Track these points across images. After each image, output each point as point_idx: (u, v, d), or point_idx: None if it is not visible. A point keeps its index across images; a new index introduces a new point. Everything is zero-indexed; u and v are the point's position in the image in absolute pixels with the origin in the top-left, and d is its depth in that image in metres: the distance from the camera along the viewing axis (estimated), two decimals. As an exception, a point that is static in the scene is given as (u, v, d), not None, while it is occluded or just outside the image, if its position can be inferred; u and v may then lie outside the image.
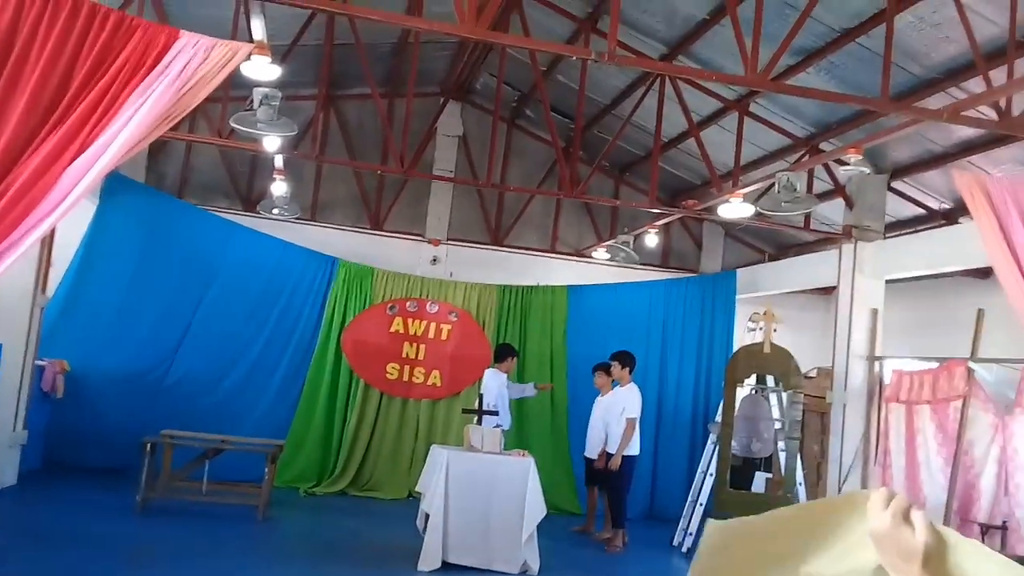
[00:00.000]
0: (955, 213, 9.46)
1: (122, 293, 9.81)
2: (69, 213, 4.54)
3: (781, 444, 8.87)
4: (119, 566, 6.01)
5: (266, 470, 8.06)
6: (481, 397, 8.48)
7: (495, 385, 8.91)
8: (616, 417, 8.44)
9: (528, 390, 9.52)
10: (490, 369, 9.27)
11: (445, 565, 6.75)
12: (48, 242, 8.22)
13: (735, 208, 8.87)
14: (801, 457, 8.99)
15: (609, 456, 8.38)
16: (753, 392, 10.52)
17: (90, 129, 4.33)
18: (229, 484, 8.38)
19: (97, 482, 8.60)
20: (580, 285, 11.40)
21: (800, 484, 8.60)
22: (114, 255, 9.89)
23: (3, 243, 4.16)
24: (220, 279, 10.19)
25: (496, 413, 8.45)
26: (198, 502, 7.95)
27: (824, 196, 9.82)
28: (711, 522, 1.24)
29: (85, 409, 9.28)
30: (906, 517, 1.00)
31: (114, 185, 9.84)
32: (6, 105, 4.21)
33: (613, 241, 11.53)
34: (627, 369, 8.65)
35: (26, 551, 6.19)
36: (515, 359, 9.51)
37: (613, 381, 8.83)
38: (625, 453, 8.32)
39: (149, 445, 7.64)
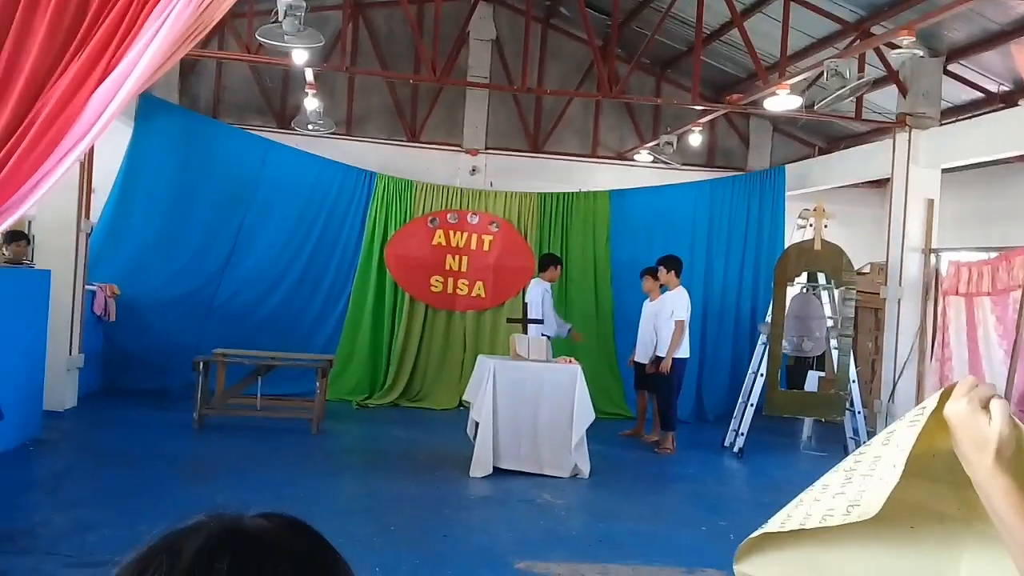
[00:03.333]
0: (1015, 95, 8.98)
1: (164, 215, 9.90)
2: (103, 137, 4.50)
3: (833, 342, 8.71)
4: (180, 480, 6.19)
5: (317, 384, 8.19)
6: (525, 306, 8.43)
7: (537, 294, 8.84)
8: (665, 320, 8.35)
9: (563, 329, 9.29)
10: (534, 279, 9.20)
11: (496, 471, 6.84)
12: (87, 168, 8.26)
13: (782, 101, 8.51)
14: (854, 354, 8.83)
15: (659, 359, 8.32)
16: (804, 290, 10.33)
17: (113, 51, 4.23)
18: (282, 399, 8.54)
19: (154, 402, 8.84)
20: (623, 189, 11.17)
21: (853, 381, 8.47)
22: (153, 178, 9.94)
23: (38, 171, 4.14)
24: (260, 197, 10.21)
25: (541, 321, 8.41)
26: (253, 418, 8.13)
27: (877, 83, 9.37)
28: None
29: (138, 331, 9.49)
30: (985, 406, 0.92)
31: (148, 108, 9.83)
32: (27, 31, 4.12)
33: (656, 142, 11.22)
34: (673, 272, 8.51)
35: (89, 469, 6.42)
36: (559, 268, 9.40)
37: (661, 285, 8.69)
38: (675, 356, 8.24)
39: (202, 364, 7.79)
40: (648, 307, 8.84)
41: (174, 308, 9.69)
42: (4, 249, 7.63)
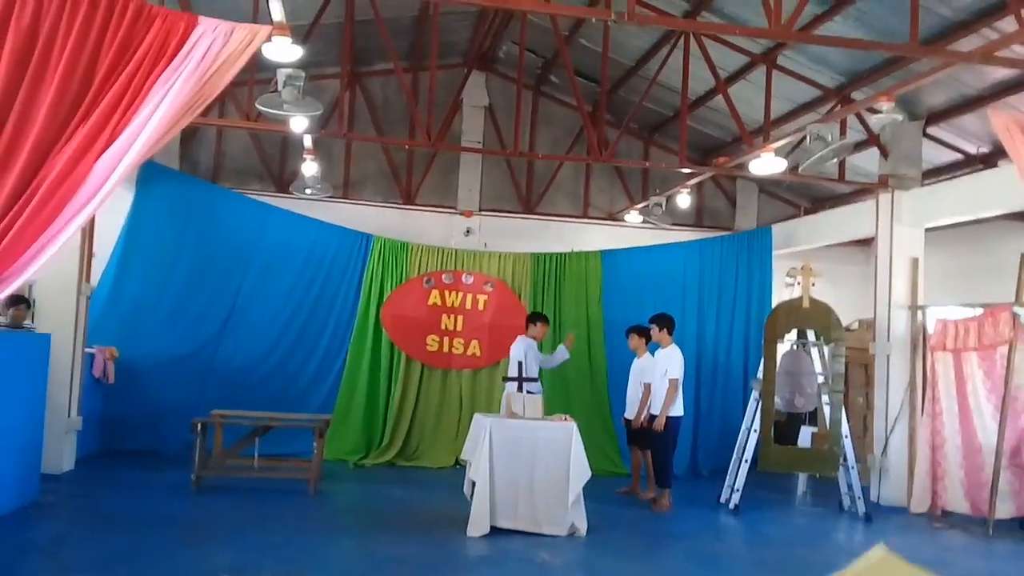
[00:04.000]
0: (994, 156, 9.26)
1: (164, 279, 10.03)
2: (105, 204, 4.63)
3: (825, 398, 8.82)
4: (178, 543, 6.20)
5: (314, 444, 8.23)
6: (521, 365, 8.52)
7: (520, 350, 8.91)
8: (659, 378, 8.45)
9: (561, 353, 9.47)
10: (519, 336, 9.28)
11: (494, 530, 6.85)
12: (88, 233, 8.42)
13: (767, 163, 8.76)
14: (846, 409, 8.93)
15: (653, 417, 8.40)
16: (794, 347, 10.46)
17: (117, 120, 4.41)
18: (279, 460, 8.56)
19: (152, 464, 8.86)
20: (614, 249, 11.38)
21: (846, 436, 8.55)
22: (154, 243, 10.09)
23: (42, 236, 4.27)
24: (258, 261, 10.38)
25: (536, 379, 8.50)
26: (250, 478, 8.15)
27: (859, 146, 9.66)
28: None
29: (136, 394, 9.55)
30: None
31: (149, 174, 10.04)
32: (34, 99, 4.30)
33: (645, 203, 11.47)
34: (665, 330, 8.63)
35: (87, 533, 6.42)
36: (545, 325, 9.45)
37: (650, 343, 8.83)
38: (669, 414, 8.33)
39: (200, 425, 7.84)
40: (636, 364, 8.98)
41: (173, 370, 9.77)
42: (5, 313, 7.72)
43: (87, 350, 8.75)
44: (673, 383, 8.34)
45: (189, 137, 11.56)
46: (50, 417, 7.60)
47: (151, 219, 10.13)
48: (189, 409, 8.62)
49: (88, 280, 8.60)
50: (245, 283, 10.33)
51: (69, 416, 8.23)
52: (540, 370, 9.25)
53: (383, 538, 6.78)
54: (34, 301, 8.30)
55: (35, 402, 7.19)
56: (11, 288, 4.39)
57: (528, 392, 8.12)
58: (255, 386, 9.88)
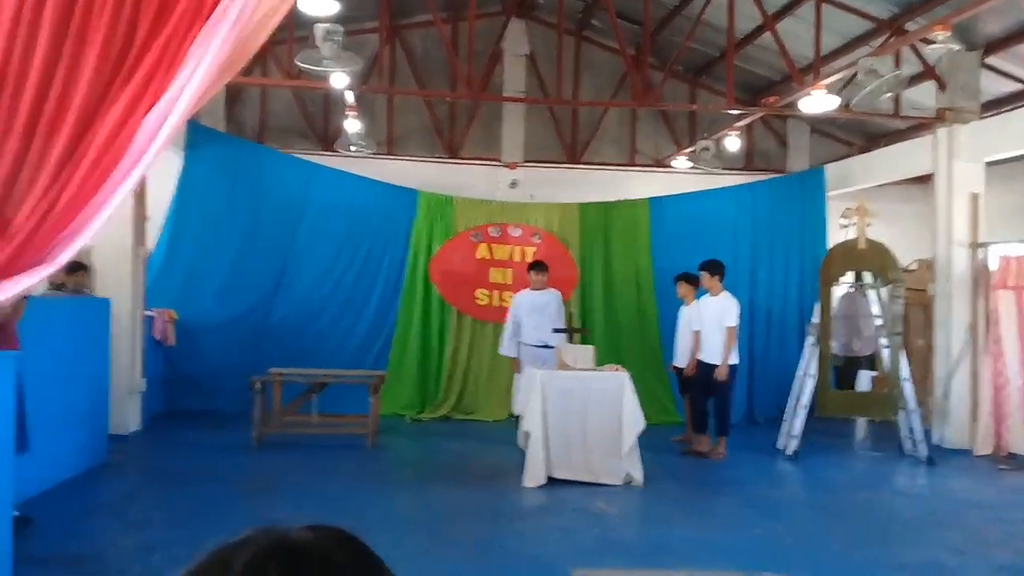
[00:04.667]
0: (1058, 84, 8.85)
1: (216, 241, 10.17)
2: (154, 166, 4.67)
3: (884, 340, 8.64)
4: (241, 497, 6.36)
5: (370, 400, 8.33)
6: (571, 316, 8.47)
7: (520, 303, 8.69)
8: (713, 327, 8.31)
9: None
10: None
11: (550, 480, 6.89)
12: (141, 198, 8.53)
13: (818, 101, 8.51)
14: (906, 352, 8.74)
15: (704, 365, 8.30)
16: (850, 290, 10.26)
17: (160, 80, 4.39)
18: (337, 416, 8.69)
19: (214, 422, 9.08)
20: (662, 196, 11.20)
21: (906, 380, 8.38)
22: (205, 205, 10.21)
23: (93, 200, 4.31)
24: (306, 220, 10.45)
25: (586, 331, 8.45)
26: (309, 435, 8.30)
27: (914, 79, 9.31)
28: None
29: (196, 355, 9.76)
30: None
31: (197, 137, 10.13)
32: (77, 64, 4.30)
33: (693, 148, 11.24)
34: (716, 277, 8.47)
35: (155, 490, 6.62)
36: (540, 273, 8.74)
37: (699, 290, 8.70)
38: (729, 363, 8.22)
39: (259, 384, 7.99)
40: (685, 312, 8.84)
41: (229, 331, 9.94)
42: (66, 280, 7.89)
43: (146, 313, 8.93)
44: (731, 331, 8.22)
45: (234, 98, 11.60)
46: (115, 380, 7.81)
47: (201, 182, 10.25)
48: (247, 368, 8.78)
49: (143, 244, 8.75)
50: (295, 243, 10.42)
51: (133, 378, 8.44)
52: (583, 323, 9.11)
53: (441, 489, 6.87)
54: (92, 267, 8.47)
55: (99, 366, 7.37)
56: (67, 254, 4.44)
57: (528, 345, 8.09)
58: (309, 345, 10.01)
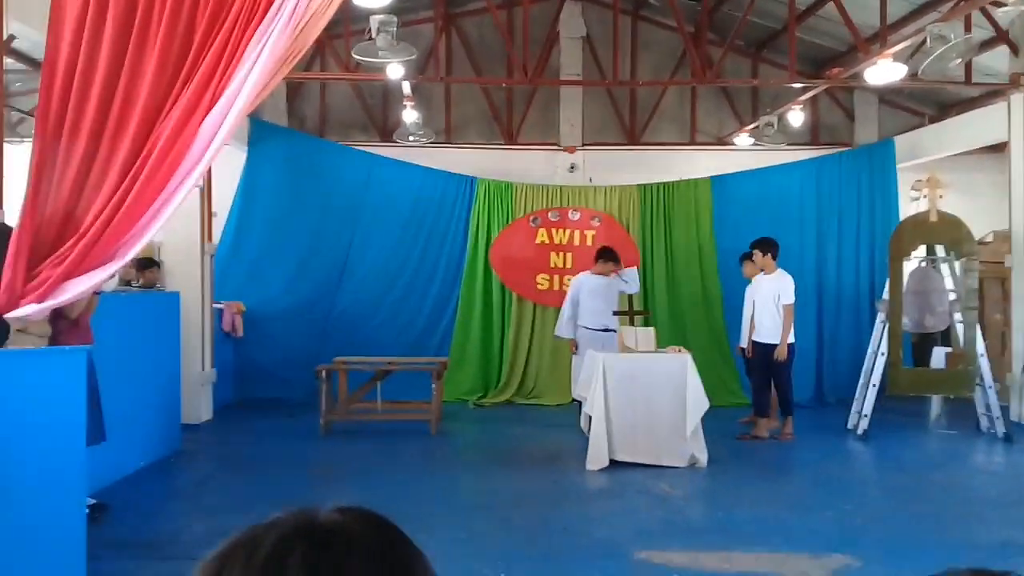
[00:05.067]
0: None
1: (280, 234, 10.40)
2: (220, 163, 4.79)
3: (958, 316, 8.36)
4: (310, 483, 6.51)
5: (433, 386, 8.42)
6: (631, 298, 8.40)
7: (574, 290, 8.68)
8: (767, 306, 8.11)
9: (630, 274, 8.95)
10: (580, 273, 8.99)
11: (613, 463, 6.87)
12: (207, 194, 8.76)
13: (884, 71, 8.22)
14: (982, 327, 8.44)
15: (760, 345, 8.11)
16: (922, 264, 9.93)
17: (218, 80, 4.50)
18: (401, 403, 8.82)
19: (282, 411, 9.29)
20: (724, 175, 11.01)
21: (982, 355, 8.10)
22: (268, 199, 10.45)
23: (158, 199, 4.45)
24: (367, 211, 10.61)
25: (646, 312, 8.37)
26: (374, 421, 8.44)
27: (985, 45, 8.93)
28: None
29: (263, 345, 10.02)
30: None
31: (260, 132, 10.36)
32: (138, 68, 4.43)
33: (756, 124, 11.01)
34: (768, 255, 8.19)
35: (226, 477, 6.82)
36: (607, 262, 8.77)
37: (762, 269, 8.52)
38: (788, 342, 7.99)
39: (325, 372, 8.15)
40: (750, 292, 8.65)
41: (294, 321, 10.18)
42: (138, 276, 8.17)
43: (215, 306, 9.18)
44: (787, 309, 8.01)
45: (294, 93, 11.79)
46: (186, 371, 8.05)
47: (265, 176, 10.48)
48: (313, 357, 8.97)
49: (210, 239, 8.98)
50: (356, 234, 10.59)
51: (203, 369, 8.69)
52: (644, 305, 8.99)
53: (505, 474, 6.91)
54: (162, 263, 8.74)
55: (170, 358, 7.61)
56: (135, 250, 4.60)
57: (588, 328, 8.03)
58: (373, 333, 10.17)
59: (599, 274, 8.68)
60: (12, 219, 4.79)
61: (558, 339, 8.97)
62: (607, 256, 8.76)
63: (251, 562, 0.72)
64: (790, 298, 8.04)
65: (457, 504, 6.04)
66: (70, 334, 4.86)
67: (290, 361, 9.82)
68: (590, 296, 8.56)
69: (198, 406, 8.55)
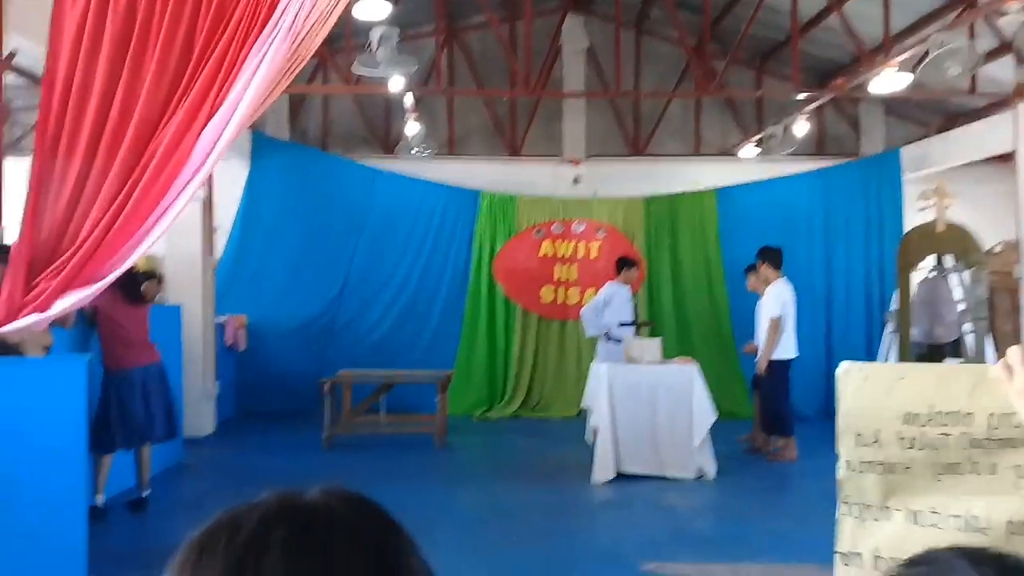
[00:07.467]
0: None
1: (283, 248, 10.38)
2: (222, 176, 4.76)
3: (968, 326, 8.26)
4: (312, 498, 6.43)
5: (437, 399, 8.36)
6: (637, 308, 8.33)
7: (602, 296, 8.55)
8: (763, 321, 7.90)
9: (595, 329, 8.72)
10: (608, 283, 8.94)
11: (620, 475, 6.81)
12: (209, 207, 8.73)
13: (888, 81, 8.20)
14: (993, 338, 8.35)
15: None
16: (930, 275, 9.86)
17: (217, 91, 4.47)
18: (405, 416, 8.76)
19: (286, 424, 9.23)
20: (729, 187, 10.96)
21: (992, 366, 7.99)
22: (271, 213, 10.44)
23: (155, 210, 4.41)
24: (370, 225, 10.60)
25: (651, 323, 8.30)
26: (378, 435, 8.38)
27: (991, 55, 8.90)
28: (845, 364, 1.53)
29: (266, 359, 9.98)
30: None
31: (262, 146, 10.37)
32: (136, 79, 4.40)
33: (761, 135, 10.97)
34: (768, 264, 7.97)
35: (229, 490, 6.73)
36: (631, 270, 8.74)
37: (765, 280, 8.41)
38: (778, 357, 7.73)
39: (328, 385, 8.09)
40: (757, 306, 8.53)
41: (297, 335, 10.15)
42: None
43: (217, 319, 9.15)
44: (774, 324, 7.69)
45: (297, 106, 11.81)
46: (188, 384, 8.01)
47: (267, 190, 10.47)
48: (316, 371, 8.93)
49: (212, 253, 8.96)
50: (359, 247, 10.56)
51: (206, 383, 8.64)
52: (649, 316, 8.94)
53: (509, 486, 6.84)
54: (164, 276, 8.70)
55: (172, 370, 7.53)
56: (131, 261, 4.57)
57: (612, 339, 7.92)
58: (377, 347, 10.15)
59: (624, 283, 8.62)
60: (13, 232, 4.77)
61: (593, 337, 8.76)
62: (630, 264, 8.74)
63: (233, 542, 0.71)
64: (774, 311, 7.73)
65: (462, 516, 5.97)
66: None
67: (293, 374, 9.78)
68: (625, 303, 8.43)
69: (201, 419, 8.50)
